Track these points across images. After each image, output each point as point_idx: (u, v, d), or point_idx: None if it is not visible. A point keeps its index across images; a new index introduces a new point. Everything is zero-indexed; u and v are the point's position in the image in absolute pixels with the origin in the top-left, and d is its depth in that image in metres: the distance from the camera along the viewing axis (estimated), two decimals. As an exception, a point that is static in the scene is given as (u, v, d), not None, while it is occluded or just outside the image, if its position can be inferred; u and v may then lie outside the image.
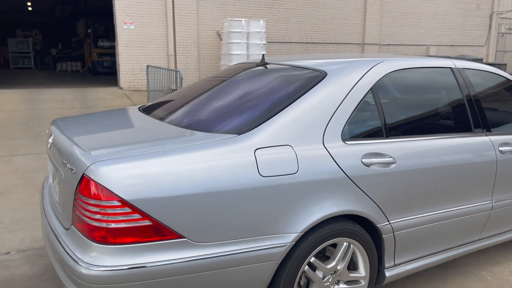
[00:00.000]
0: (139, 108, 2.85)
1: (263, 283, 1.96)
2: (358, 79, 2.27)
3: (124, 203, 1.69)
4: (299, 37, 13.35)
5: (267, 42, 11.77)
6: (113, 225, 1.70)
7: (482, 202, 2.65)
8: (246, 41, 10.76)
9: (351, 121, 2.19)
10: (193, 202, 1.77)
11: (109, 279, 1.69)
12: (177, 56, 11.64)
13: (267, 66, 2.69)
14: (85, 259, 1.72)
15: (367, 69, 2.33)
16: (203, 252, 1.80)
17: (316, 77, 2.27)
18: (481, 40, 16.66)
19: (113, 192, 1.69)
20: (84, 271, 1.69)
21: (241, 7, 12.31)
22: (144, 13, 11.15)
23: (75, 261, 1.73)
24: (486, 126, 2.71)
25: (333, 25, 13.79)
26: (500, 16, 16.77)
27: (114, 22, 11.02)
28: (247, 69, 2.77)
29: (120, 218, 1.70)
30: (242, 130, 2.00)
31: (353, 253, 2.23)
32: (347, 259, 2.18)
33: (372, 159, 2.17)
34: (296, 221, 1.96)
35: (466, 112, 2.65)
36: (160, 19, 11.34)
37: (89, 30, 17.19)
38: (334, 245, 2.18)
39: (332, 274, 2.16)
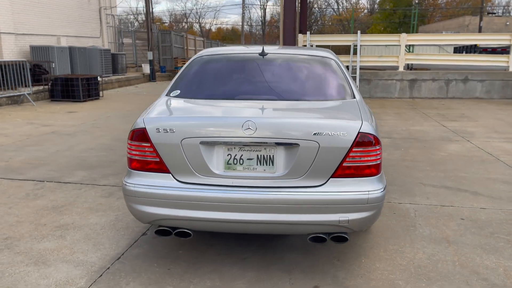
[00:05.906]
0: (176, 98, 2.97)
1: None
2: None
3: (378, 143, 2.51)
4: None
5: None
6: (379, 161, 2.49)
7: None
8: None
9: None
10: None
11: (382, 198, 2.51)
12: None
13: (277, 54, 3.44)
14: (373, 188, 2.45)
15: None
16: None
17: (332, 60, 3.42)
18: (97, 32, 18.34)
19: (377, 137, 2.48)
20: (375, 195, 2.44)
21: None
22: None
23: (367, 193, 2.41)
24: None
25: (-39, 9, 11.52)
26: (106, 12, 18.99)
27: None
28: (254, 56, 3.39)
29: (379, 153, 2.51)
30: (344, 97, 3.01)
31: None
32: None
33: None
34: None
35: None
36: None
37: None
38: None
39: None
